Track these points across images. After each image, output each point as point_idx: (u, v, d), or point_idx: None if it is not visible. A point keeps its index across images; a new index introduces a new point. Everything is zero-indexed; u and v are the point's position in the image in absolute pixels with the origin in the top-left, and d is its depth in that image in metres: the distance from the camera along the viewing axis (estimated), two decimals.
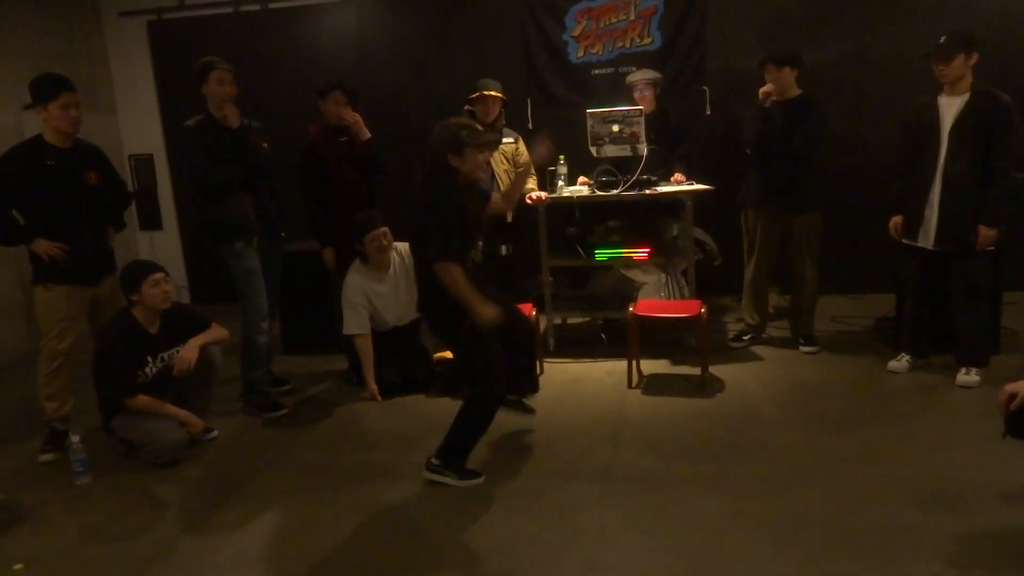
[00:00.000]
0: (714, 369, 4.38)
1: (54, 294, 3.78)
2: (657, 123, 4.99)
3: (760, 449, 3.45)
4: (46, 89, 3.68)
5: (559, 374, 4.58)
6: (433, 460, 3.31)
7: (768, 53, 4.49)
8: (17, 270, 4.95)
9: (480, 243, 3.40)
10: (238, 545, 2.95)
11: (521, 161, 4.94)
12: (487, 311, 3.12)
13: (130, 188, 5.04)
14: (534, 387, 3.96)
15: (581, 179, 4.97)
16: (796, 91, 4.47)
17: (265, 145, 4.20)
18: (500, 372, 3.25)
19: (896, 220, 4.20)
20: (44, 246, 3.72)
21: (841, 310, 5.41)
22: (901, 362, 4.25)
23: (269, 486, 3.43)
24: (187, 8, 6.49)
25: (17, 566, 2.48)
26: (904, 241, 4.17)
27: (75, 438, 3.57)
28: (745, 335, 4.88)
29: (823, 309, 4.97)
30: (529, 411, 3.95)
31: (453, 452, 3.31)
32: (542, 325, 4.78)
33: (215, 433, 3.96)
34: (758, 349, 4.78)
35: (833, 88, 5.26)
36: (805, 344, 4.69)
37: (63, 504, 3.39)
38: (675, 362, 4.63)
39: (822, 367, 4.42)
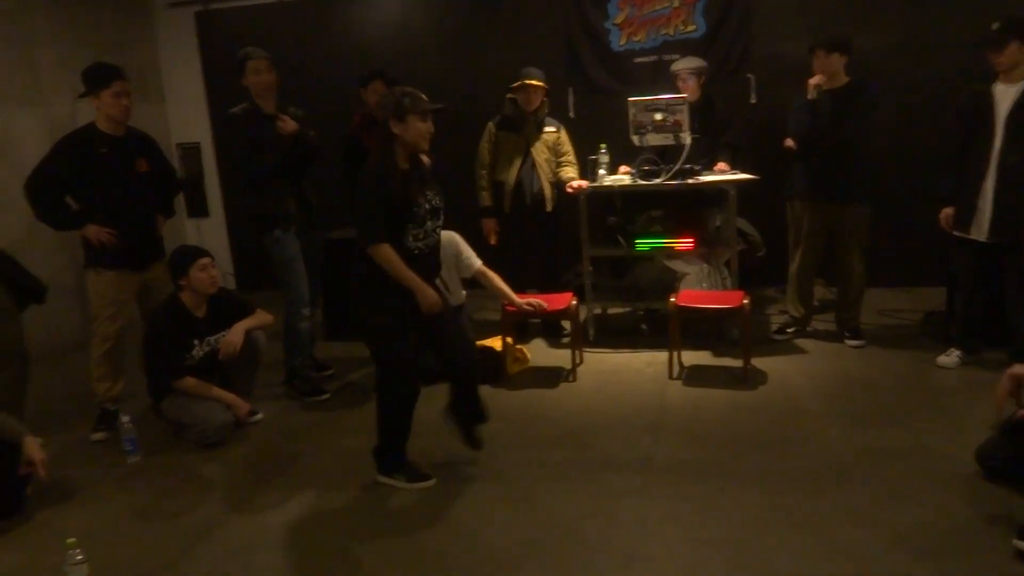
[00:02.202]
0: (757, 362, 4.32)
1: (104, 278, 3.88)
2: (701, 112, 4.93)
3: (803, 442, 3.40)
4: (99, 77, 3.77)
5: (599, 364, 4.57)
6: (379, 468, 3.29)
7: (818, 38, 4.40)
8: (71, 255, 5.08)
9: (428, 228, 3.08)
10: (280, 526, 3.01)
11: (562, 151, 4.92)
12: (429, 294, 3.01)
13: (179, 176, 5.14)
14: (481, 417, 3.40)
15: (623, 168, 4.93)
16: (844, 78, 4.37)
17: (312, 133, 4.24)
18: (405, 366, 3.13)
19: (947, 212, 4.09)
20: (94, 231, 3.82)
21: (889, 303, 5.30)
22: (951, 357, 4.15)
23: (311, 469, 3.48)
24: None
25: (70, 540, 2.57)
26: (956, 233, 4.06)
27: (125, 418, 3.67)
28: (789, 327, 4.80)
29: (870, 302, 4.87)
30: (476, 446, 3.39)
31: (382, 454, 3.27)
32: (582, 315, 4.76)
33: (260, 416, 4.03)
34: (802, 342, 4.70)
35: (883, 76, 5.11)
36: (851, 337, 4.60)
37: (114, 482, 3.49)
38: (717, 354, 4.58)
39: (868, 361, 4.34)
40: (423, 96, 3.02)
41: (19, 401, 3.78)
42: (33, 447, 3.15)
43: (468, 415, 3.35)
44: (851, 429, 3.49)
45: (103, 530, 3.06)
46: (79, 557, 2.56)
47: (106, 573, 2.71)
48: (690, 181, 4.57)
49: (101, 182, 3.82)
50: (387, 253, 2.96)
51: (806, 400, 3.86)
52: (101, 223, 3.83)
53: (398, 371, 3.14)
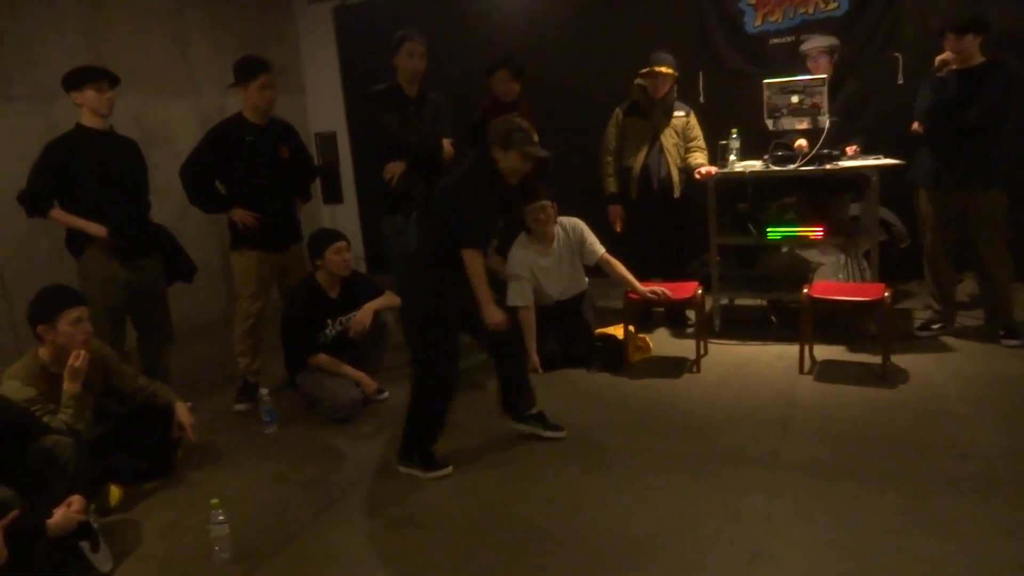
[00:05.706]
0: (897, 359, 4.06)
1: (248, 259, 4.12)
2: (833, 94, 4.64)
3: (948, 446, 3.17)
4: (247, 70, 3.98)
5: (724, 356, 4.43)
6: (398, 454, 3.34)
7: (947, 20, 4.07)
8: (219, 239, 5.43)
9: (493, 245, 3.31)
10: (404, 501, 3.10)
11: (691, 136, 4.79)
12: (496, 313, 3.17)
13: (316, 163, 5.39)
14: (528, 403, 3.54)
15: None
16: (980, 58, 4.02)
17: (446, 124, 4.33)
18: (445, 362, 3.25)
19: None
20: (240, 214, 4.05)
21: None
22: None
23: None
24: None
25: (214, 500, 2.76)
26: None
27: (264, 391, 3.89)
28: (934, 324, 4.48)
29: None
30: (552, 429, 3.49)
31: (410, 446, 3.30)
32: (708, 305, 4.63)
33: (386, 394, 4.17)
34: (950, 340, 4.37)
35: None
36: (1007, 337, 4.24)
37: (253, 449, 3.72)
38: (852, 349, 4.33)
39: None
40: (534, 138, 3.12)
41: (166, 369, 4.08)
42: (184, 412, 3.41)
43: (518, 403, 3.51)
44: (1005, 434, 3.22)
45: (243, 493, 3.26)
46: (220, 517, 2.74)
47: (244, 533, 2.90)
48: (828, 167, 4.34)
49: (247, 168, 4.04)
50: (479, 261, 3.12)
51: (952, 401, 3.59)
52: (246, 207, 4.06)
53: (438, 367, 3.24)
